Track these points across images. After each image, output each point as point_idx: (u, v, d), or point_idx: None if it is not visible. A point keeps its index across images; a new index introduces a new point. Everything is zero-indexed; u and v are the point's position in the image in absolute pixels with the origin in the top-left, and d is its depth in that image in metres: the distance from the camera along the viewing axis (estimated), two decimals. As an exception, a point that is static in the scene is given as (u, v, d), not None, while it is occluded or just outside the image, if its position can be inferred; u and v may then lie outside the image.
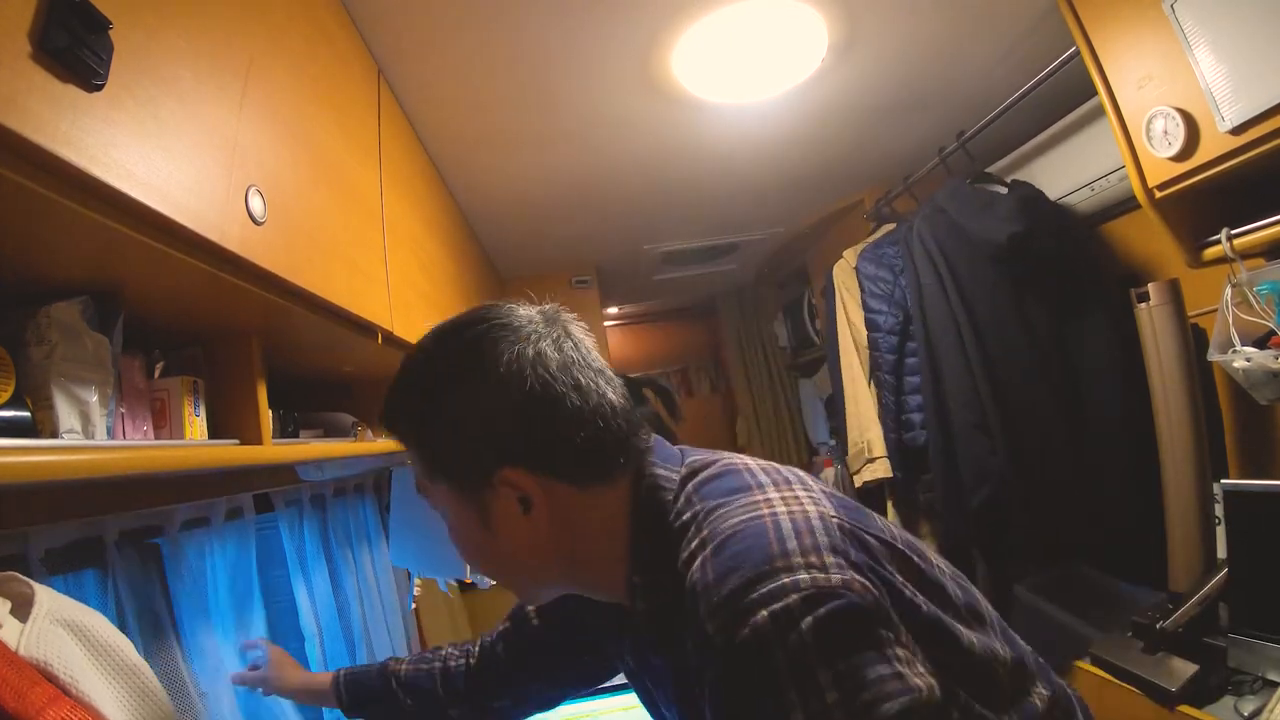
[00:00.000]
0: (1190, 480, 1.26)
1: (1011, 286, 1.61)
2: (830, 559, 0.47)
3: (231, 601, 1.07)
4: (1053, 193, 1.66)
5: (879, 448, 1.91)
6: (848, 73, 1.54)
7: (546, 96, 1.47)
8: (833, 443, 2.95)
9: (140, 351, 0.82)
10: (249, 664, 0.99)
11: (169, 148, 0.58)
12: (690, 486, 0.57)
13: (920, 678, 0.45)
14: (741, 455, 0.63)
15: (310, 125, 0.89)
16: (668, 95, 1.51)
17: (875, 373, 1.93)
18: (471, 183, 1.85)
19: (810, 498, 0.54)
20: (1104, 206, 1.63)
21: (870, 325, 1.93)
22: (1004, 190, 1.66)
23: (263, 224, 0.71)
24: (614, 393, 0.59)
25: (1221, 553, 1.23)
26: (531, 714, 0.96)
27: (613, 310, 4.10)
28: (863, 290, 1.97)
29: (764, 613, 0.44)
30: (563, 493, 0.57)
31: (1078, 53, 1.26)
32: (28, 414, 0.60)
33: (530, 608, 0.91)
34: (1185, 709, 1.03)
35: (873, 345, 1.92)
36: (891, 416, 1.87)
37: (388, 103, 1.28)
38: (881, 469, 1.90)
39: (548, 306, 0.66)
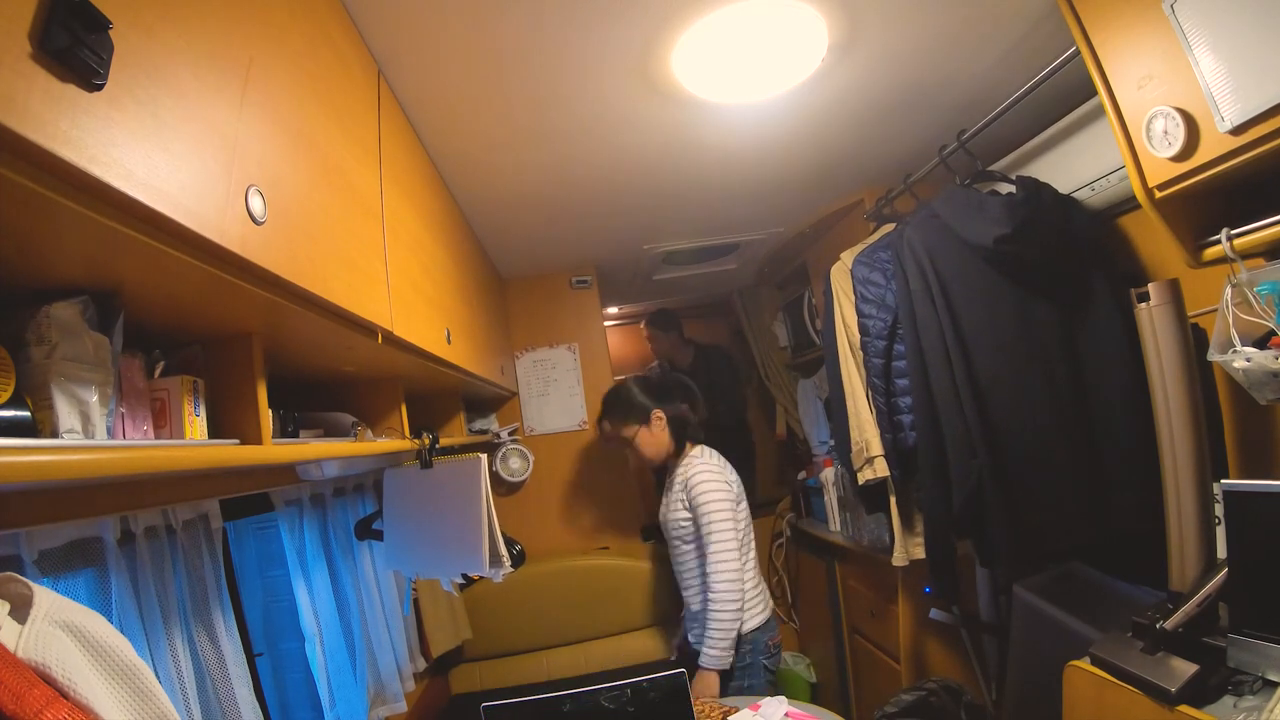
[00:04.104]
0: (1190, 480, 1.26)
1: (1011, 287, 1.61)
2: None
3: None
4: (1053, 193, 1.66)
5: (876, 447, 1.92)
6: (848, 73, 1.54)
7: (546, 96, 1.47)
8: (832, 443, 2.95)
9: (140, 351, 0.82)
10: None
11: (169, 147, 0.58)
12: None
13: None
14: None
15: (310, 125, 0.89)
16: (668, 95, 1.51)
17: (867, 376, 1.94)
18: (471, 183, 1.85)
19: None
20: (1104, 206, 1.63)
21: (861, 329, 1.94)
22: (1010, 187, 1.66)
23: (263, 224, 0.71)
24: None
25: (1221, 553, 1.23)
26: None
27: (613, 310, 4.10)
28: (855, 294, 1.98)
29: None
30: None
31: (1078, 53, 1.26)
32: (28, 414, 0.60)
33: None
34: (1185, 709, 1.03)
35: (863, 349, 1.93)
36: (884, 419, 1.88)
37: (388, 103, 1.28)
38: (880, 468, 1.91)
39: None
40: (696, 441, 2.14)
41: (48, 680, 0.52)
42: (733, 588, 1.85)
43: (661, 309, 3.81)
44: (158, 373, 0.84)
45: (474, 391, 2.29)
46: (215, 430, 0.88)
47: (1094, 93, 1.24)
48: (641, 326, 3.80)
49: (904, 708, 1.94)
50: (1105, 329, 1.56)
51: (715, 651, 1.84)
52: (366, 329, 1.05)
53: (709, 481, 1.96)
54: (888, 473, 1.90)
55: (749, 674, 1.92)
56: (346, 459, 1.39)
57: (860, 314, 1.94)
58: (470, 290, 1.97)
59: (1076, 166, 1.62)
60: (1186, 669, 1.07)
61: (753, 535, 2.05)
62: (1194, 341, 1.28)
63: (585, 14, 1.21)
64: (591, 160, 1.83)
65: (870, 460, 1.93)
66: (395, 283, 1.17)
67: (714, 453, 2.10)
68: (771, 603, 2.05)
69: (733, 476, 2.04)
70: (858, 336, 1.96)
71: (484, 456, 1.49)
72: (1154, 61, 1.09)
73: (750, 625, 1.93)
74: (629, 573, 2.52)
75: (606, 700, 1.39)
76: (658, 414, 2.12)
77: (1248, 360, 1.07)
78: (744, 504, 2.03)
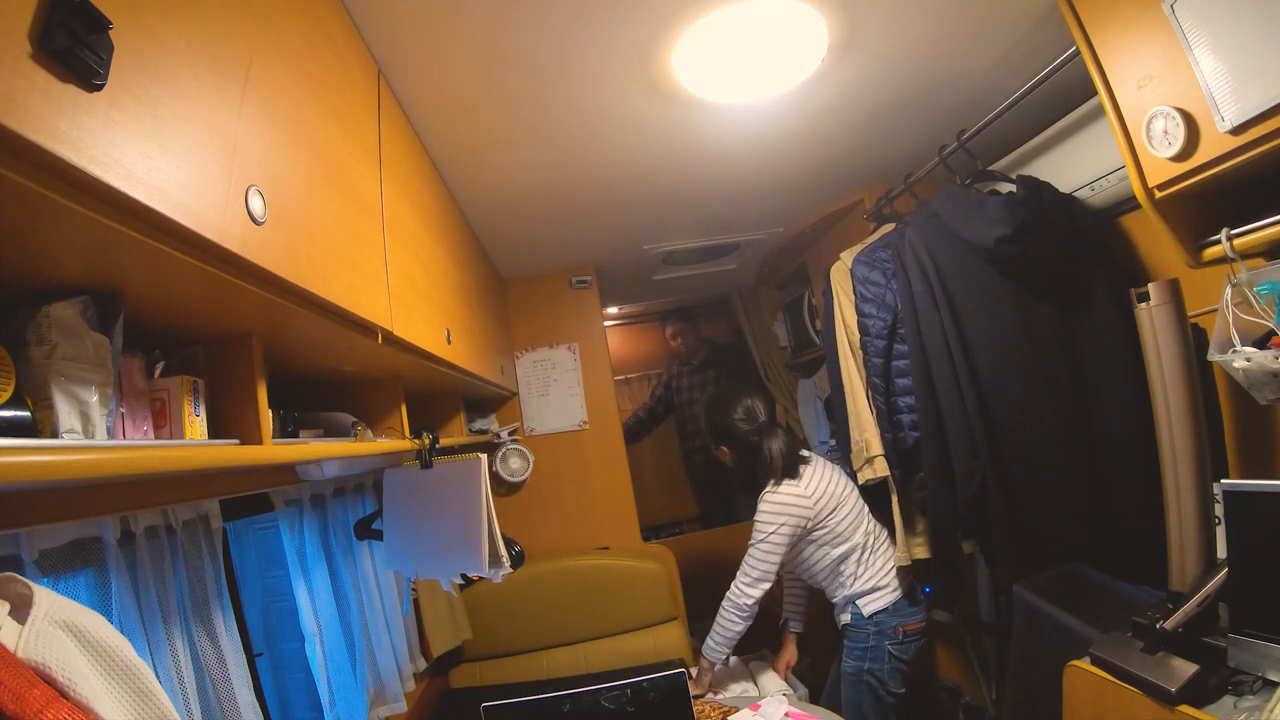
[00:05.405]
0: (1190, 480, 1.27)
1: (1012, 287, 1.62)
2: None
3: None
4: (1053, 193, 1.66)
5: (876, 447, 1.92)
6: (848, 73, 1.54)
7: (546, 96, 1.47)
8: (832, 443, 2.95)
9: (140, 351, 0.82)
10: None
11: (169, 147, 0.58)
12: None
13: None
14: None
15: (310, 125, 0.89)
16: (668, 95, 1.51)
17: (867, 376, 1.94)
18: (471, 183, 1.85)
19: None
20: (1104, 206, 1.63)
21: (861, 329, 1.94)
22: (1010, 186, 1.66)
23: (262, 224, 0.71)
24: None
25: (1221, 553, 1.23)
26: None
27: (613, 310, 4.10)
28: (855, 293, 1.98)
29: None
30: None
31: (1078, 53, 1.26)
32: (28, 414, 0.60)
33: None
34: (1185, 709, 1.03)
35: (863, 348, 1.93)
36: (883, 419, 1.88)
37: (388, 103, 1.28)
38: (880, 467, 1.91)
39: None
40: (785, 475, 1.98)
41: (48, 680, 0.52)
42: (738, 602, 1.96)
43: (680, 307, 3.88)
44: (158, 373, 0.84)
45: (474, 391, 2.29)
46: (215, 430, 0.88)
47: (1094, 93, 1.24)
48: (667, 328, 3.86)
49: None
50: (1106, 329, 1.56)
51: (711, 644, 2.02)
52: (366, 329, 1.05)
53: (761, 514, 1.96)
54: (888, 472, 1.90)
55: (872, 657, 1.91)
56: (346, 459, 1.39)
57: (860, 313, 1.94)
58: (470, 290, 1.97)
59: (1076, 166, 1.62)
60: (1186, 669, 1.07)
61: (867, 523, 1.99)
62: (1194, 341, 1.28)
63: (586, 14, 1.21)
64: (592, 160, 1.83)
65: (870, 460, 1.93)
66: (395, 283, 1.17)
67: (797, 480, 1.96)
68: (903, 589, 1.95)
69: (816, 491, 1.95)
70: (858, 336, 1.96)
71: (484, 456, 1.49)
72: (1154, 61, 1.09)
73: (873, 608, 1.92)
74: (629, 573, 2.52)
75: (606, 700, 1.40)
76: (723, 449, 2.13)
77: (1248, 360, 1.07)
78: (846, 507, 1.97)
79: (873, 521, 2.02)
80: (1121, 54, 1.16)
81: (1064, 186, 1.64)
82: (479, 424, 2.67)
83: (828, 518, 1.96)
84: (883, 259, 1.92)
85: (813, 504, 1.94)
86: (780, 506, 1.94)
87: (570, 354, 2.88)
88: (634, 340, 4.42)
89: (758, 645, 2.45)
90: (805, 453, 2.08)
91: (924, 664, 2.41)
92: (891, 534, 1.99)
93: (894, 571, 1.96)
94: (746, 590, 1.95)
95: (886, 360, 1.86)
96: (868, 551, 1.98)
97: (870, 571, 1.96)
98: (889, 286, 1.87)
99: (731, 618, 1.97)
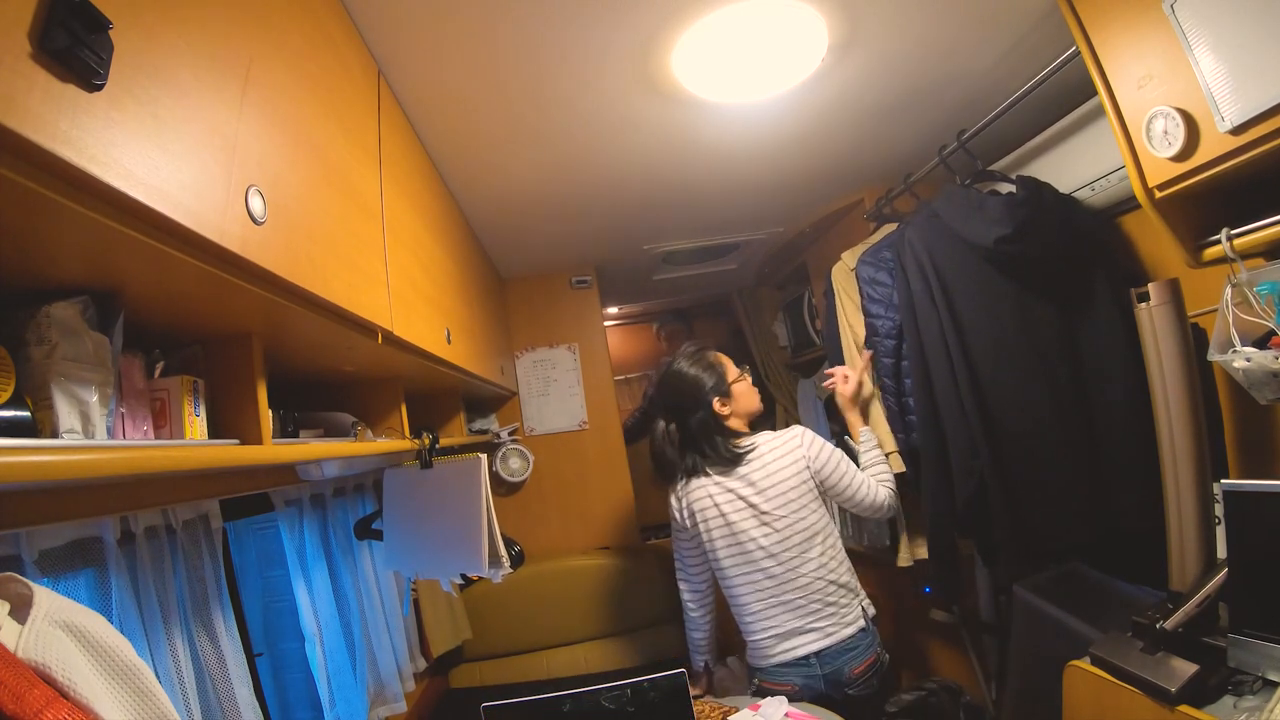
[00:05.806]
0: (1190, 480, 1.26)
1: (1012, 287, 1.61)
2: None
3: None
4: (1053, 193, 1.66)
5: (890, 444, 1.91)
6: (848, 73, 1.54)
7: (546, 96, 1.47)
8: (834, 443, 2.96)
9: (140, 351, 0.82)
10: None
11: (169, 147, 0.58)
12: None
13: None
14: None
15: (310, 125, 0.89)
16: (668, 95, 1.51)
17: (877, 376, 1.94)
18: (471, 183, 1.85)
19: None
20: (1104, 206, 1.63)
21: (869, 330, 1.93)
22: (1010, 186, 1.65)
23: (262, 224, 0.71)
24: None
25: (1221, 553, 1.23)
26: None
27: (613, 310, 4.10)
28: (861, 294, 1.97)
29: None
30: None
31: (1078, 53, 1.26)
32: (28, 414, 0.60)
33: None
34: (1185, 709, 1.03)
35: (873, 349, 1.93)
36: (895, 419, 1.87)
37: (388, 103, 1.28)
38: (895, 464, 1.90)
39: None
40: (682, 475, 1.78)
41: (48, 680, 0.52)
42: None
43: (675, 309, 3.90)
44: (158, 373, 0.84)
45: (474, 391, 2.29)
46: (215, 430, 0.88)
47: (1094, 93, 1.24)
48: (659, 331, 3.86)
49: (903, 708, 1.94)
50: (1106, 329, 1.56)
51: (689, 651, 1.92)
52: (366, 329, 1.05)
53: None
54: (903, 468, 1.88)
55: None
56: (346, 459, 1.39)
57: (868, 314, 1.93)
58: (470, 290, 1.97)
59: (1076, 166, 1.62)
60: (1186, 669, 1.07)
61: (741, 560, 1.68)
62: (1194, 341, 1.28)
63: (586, 14, 1.21)
64: (592, 160, 1.83)
65: (884, 457, 1.92)
66: (395, 283, 1.17)
67: (692, 481, 1.75)
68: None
69: (686, 500, 1.75)
70: (863, 336, 1.96)
71: (484, 456, 1.49)
72: (1154, 61, 1.09)
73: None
74: (629, 573, 2.52)
75: (606, 700, 1.39)
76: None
77: (1248, 360, 1.07)
78: (713, 526, 1.70)
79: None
80: (1121, 54, 1.16)
81: (1064, 186, 1.64)
82: (479, 424, 2.67)
83: (712, 527, 1.72)
84: (887, 259, 1.92)
85: (675, 509, 1.80)
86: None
87: (570, 354, 2.88)
88: (634, 340, 4.42)
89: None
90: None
91: (924, 664, 2.41)
92: (892, 535, 1.99)
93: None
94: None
95: (897, 360, 1.85)
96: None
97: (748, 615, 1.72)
98: (895, 287, 1.87)
99: (685, 620, 1.88)
